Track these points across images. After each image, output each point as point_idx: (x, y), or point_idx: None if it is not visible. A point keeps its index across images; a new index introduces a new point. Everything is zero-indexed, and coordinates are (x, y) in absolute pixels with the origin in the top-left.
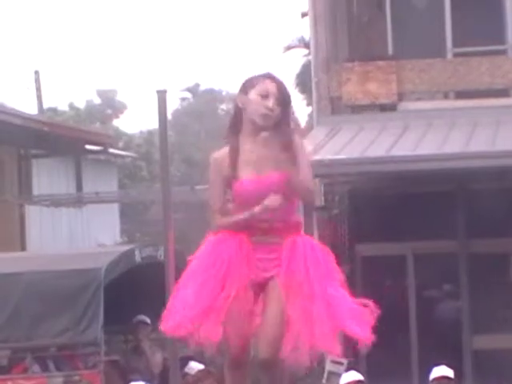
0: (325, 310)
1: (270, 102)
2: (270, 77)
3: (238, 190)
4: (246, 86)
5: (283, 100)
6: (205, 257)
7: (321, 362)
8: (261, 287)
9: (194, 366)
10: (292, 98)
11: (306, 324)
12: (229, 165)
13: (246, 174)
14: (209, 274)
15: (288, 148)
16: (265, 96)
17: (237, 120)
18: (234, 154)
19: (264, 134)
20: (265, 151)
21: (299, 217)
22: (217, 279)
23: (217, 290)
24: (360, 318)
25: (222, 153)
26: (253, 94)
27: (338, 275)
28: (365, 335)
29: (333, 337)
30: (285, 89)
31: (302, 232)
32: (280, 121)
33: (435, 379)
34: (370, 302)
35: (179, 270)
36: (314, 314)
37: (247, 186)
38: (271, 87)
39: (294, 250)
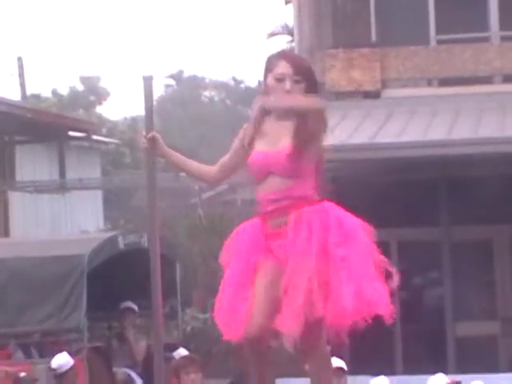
0: (340, 274)
1: (287, 85)
2: (283, 57)
3: (249, 160)
4: (266, 71)
5: (301, 77)
6: (227, 253)
7: None
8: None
9: (182, 352)
10: (312, 71)
11: (325, 293)
12: (250, 135)
13: (259, 147)
14: (231, 273)
15: (300, 125)
16: (280, 79)
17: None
18: (256, 126)
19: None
20: (279, 126)
21: (309, 190)
22: (237, 277)
23: (238, 289)
24: (377, 287)
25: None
26: (270, 80)
27: (360, 233)
28: (383, 305)
29: (355, 299)
30: (301, 65)
31: (315, 201)
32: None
33: None
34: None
35: (162, 256)
36: (330, 282)
37: (253, 157)
38: (285, 68)
39: (297, 223)
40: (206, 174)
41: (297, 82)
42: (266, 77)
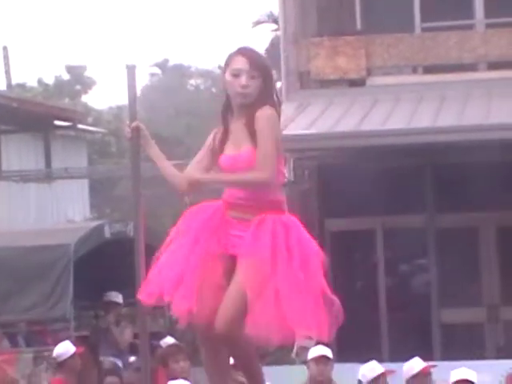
0: (289, 289)
1: (243, 80)
2: (241, 52)
3: (219, 164)
4: (224, 67)
5: (258, 72)
6: (180, 226)
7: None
8: (232, 262)
9: (169, 341)
10: (268, 68)
11: (269, 302)
12: (219, 142)
13: (227, 150)
14: (180, 244)
15: (252, 123)
16: (236, 75)
17: (227, 100)
18: (224, 133)
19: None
20: (241, 126)
21: (279, 195)
22: (186, 249)
23: (185, 260)
24: (315, 316)
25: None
26: (227, 75)
27: (315, 259)
28: (319, 332)
29: (300, 315)
30: (258, 60)
31: (282, 210)
32: (261, 94)
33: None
34: (336, 301)
35: (148, 246)
36: (277, 292)
37: (221, 161)
38: (242, 64)
39: (261, 227)
40: (178, 183)
41: (253, 77)
42: (224, 72)
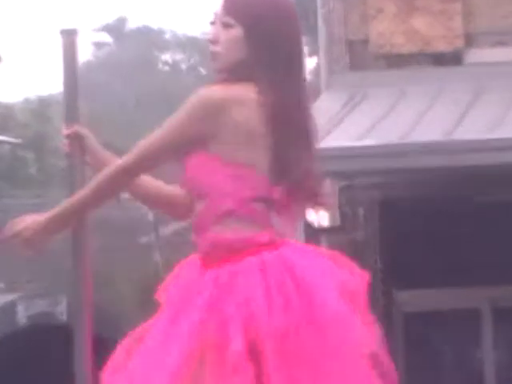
0: None
1: (211, 31)
2: None
3: None
4: None
5: (235, 19)
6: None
7: None
8: None
9: None
10: (254, 10)
11: None
12: None
13: None
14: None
15: None
16: (212, 23)
17: None
18: None
19: None
20: None
21: (243, 232)
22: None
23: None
24: None
25: None
26: None
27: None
28: None
29: None
30: (236, 1)
31: (244, 253)
32: (241, 56)
33: None
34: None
35: (98, 339)
36: None
37: None
38: (217, 8)
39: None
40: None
41: (226, 26)
42: None
